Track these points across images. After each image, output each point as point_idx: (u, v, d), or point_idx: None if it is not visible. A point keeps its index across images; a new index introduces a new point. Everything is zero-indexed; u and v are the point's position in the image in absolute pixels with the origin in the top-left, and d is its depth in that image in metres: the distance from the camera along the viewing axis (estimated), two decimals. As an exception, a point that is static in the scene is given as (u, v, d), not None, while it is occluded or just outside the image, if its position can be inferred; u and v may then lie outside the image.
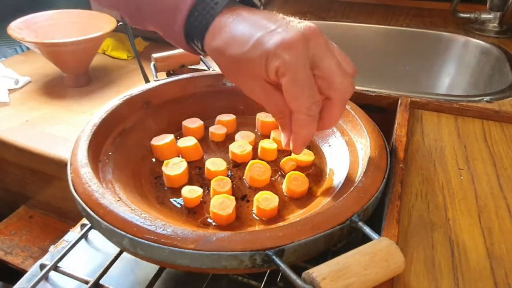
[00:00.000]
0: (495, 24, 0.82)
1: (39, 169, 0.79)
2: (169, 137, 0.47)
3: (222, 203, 0.38)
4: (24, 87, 0.97)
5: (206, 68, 0.60)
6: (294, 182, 0.42)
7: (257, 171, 0.43)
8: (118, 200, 0.36)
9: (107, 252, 0.43)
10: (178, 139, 0.48)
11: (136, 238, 0.31)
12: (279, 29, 0.33)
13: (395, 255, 0.28)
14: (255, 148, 0.48)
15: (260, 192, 0.40)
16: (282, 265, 0.29)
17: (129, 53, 1.23)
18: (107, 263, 0.38)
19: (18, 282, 0.39)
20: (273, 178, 0.45)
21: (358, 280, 0.27)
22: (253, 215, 0.40)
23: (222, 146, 0.50)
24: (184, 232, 0.31)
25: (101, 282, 0.36)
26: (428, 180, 0.42)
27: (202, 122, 0.51)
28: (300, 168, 0.46)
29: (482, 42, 0.80)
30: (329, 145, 0.49)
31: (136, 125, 0.48)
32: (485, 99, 0.56)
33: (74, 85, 0.98)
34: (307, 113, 0.33)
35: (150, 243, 0.30)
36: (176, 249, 0.30)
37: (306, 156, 0.46)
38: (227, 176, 0.44)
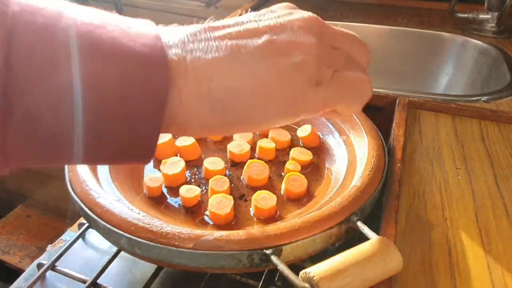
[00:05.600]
0: (492, 24, 0.82)
1: (37, 168, 0.79)
2: (167, 136, 0.47)
3: (220, 203, 0.38)
4: (22, 86, 0.97)
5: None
6: (292, 183, 0.42)
7: (255, 170, 0.43)
8: (115, 200, 0.36)
9: (105, 251, 0.42)
10: (176, 138, 0.48)
11: (134, 238, 0.31)
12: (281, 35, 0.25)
13: (392, 254, 0.28)
14: (253, 148, 0.48)
15: (258, 192, 0.40)
16: (280, 265, 0.29)
17: (127, 52, 1.22)
18: (105, 262, 0.38)
19: (15, 282, 0.39)
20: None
21: (355, 280, 0.27)
22: (251, 214, 0.40)
23: (220, 145, 0.50)
24: (182, 231, 0.31)
25: (98, 281, 0.36)
26: (426, 179, 0.42)
27: (200, 122, 0.51)
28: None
29: (480, 42, 0.80)
30: (327, 145, 0.49)
31: (134, 124, 0.48)
32: (482, 99, 0.56)
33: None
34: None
35: (148, 242, 0.30)
36: (174, 248, 0.30)
37: (305, 156, 0.46)
38: (225, 175, 0.44)
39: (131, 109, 0.21)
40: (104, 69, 0.20)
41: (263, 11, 0.28)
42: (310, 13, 0.28)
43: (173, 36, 0.24)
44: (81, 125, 0.21)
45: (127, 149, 0.23)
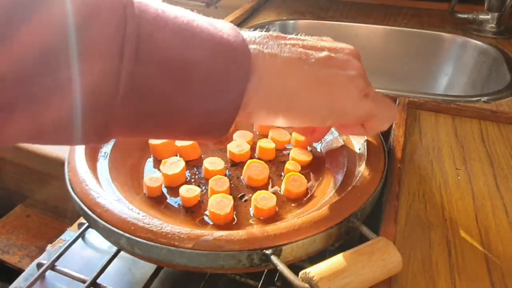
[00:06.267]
0: (492, 25, 0.82)
1: (36, 168, 0.79)
2: (167, 136, 0.47)
3: (220, 203, 0.38)
4: (22, 86, 0.97)
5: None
6: (292, 183, 0.42)
7: (255, 170, 0.43)
8: (115, 199, 0.36)
9: (105, 251, 0.42)
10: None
11: (134, 237, 0.31)
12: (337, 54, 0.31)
13: (392, 254, 0.28)
14: (253, 148, 0.48)
15: (258, 192, 0.40)
16: (280, 265, 0.29)
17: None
18: (105, 262, 0.38)
19: (15, 282, 0.39)
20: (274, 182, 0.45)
21: (355, 280, 0.27)
22: (251, 214, 0.40)
23: (220, 145, 0.50)
24: (181, 231, 0.31)
25: (98, 281, 0.36)
26: (426, 180, 0.42)
27: (200, 121, 0.51)
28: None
29: (480, 43, 0.80)
30: (327, 145, 0.49)
31: (134, 124, 0.48)
32: (482, 100, 0.56)
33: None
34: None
35: (148, 242, 0.30)
36: (174, 248, 0.30)
37: (305, 156, 0.46)
38: (225, 175, 0.44)
39: (216, 88, 0.25)
40: (201, 53, 0.24)
41: (315, 37, 0.33)
42: (351, 46, 0.34)
43: (247, 34, 0.27)
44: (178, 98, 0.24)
45: (207, 123, 0.26)
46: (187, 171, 0.45)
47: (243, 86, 0.25)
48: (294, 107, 0.29)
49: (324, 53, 0.30)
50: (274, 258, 0.29)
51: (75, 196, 0.35)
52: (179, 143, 0.47)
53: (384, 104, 0.34)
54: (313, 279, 0.26)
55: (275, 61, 0.27)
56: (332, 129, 0.49)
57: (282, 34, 0.30)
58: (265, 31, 0.30)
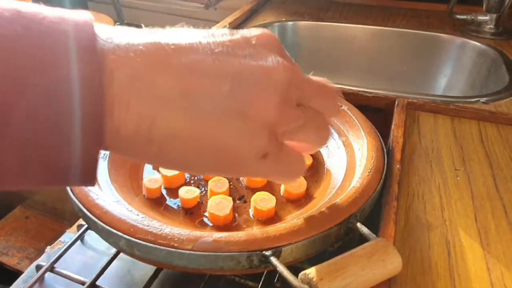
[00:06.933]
0: (491, 26, 0.83)
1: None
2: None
3: (219, 204, 0.38)
4: (21, 87, 0.96)
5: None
6: (292, 184, 0.42)
7: (254, 171, 0.43)
8: (114, 201, 0.36)
9: (104, 252, 0.42)
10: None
11: (133, 239, 0.31)
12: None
13: (392, 255, 0.28)
14: (252, 149, 0.48)
15: (257, 193, 0.40)
16: (279, 266, 0.29)
17: (126, 53, 1.22)
18: (104, 264, 0.38)
19: (14, 283, 0.39)
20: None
21: (355, 281, 0.27)
22: (250, 215, 0.40)
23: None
24: (181, 232, 0.31)
25: (97, 283, 0.36)
26: (425, 180, 0.42)
27: (199, 123, 0.51)
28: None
29: (478, 44, 0.80)
30: (326, 146, 0.49)
31: (133, 125, 0.48)
32: (481, 100, 0.56)
33: (70, 85, 0.98)
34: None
35: (147, 243, 0.30)
36: (173, 249, 0.30)
37: (305, 160, 0.46)
38: (224, 176, 0.44)
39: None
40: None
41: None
42: (281, 59, 0.22)
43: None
44: None
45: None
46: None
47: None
48: (163, 151, 0.21)
49: (228, 86, 0.20)
50: (273, 259, 0.29)
51: (74, 198, 0.35)
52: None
53: (287, 164, 0.25)
54: (313, 280, 0.26)
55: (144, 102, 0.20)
56: (332, 130, 0.49)
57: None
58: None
